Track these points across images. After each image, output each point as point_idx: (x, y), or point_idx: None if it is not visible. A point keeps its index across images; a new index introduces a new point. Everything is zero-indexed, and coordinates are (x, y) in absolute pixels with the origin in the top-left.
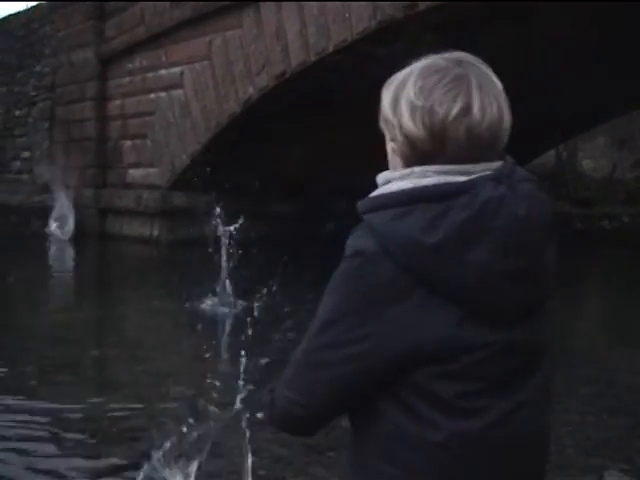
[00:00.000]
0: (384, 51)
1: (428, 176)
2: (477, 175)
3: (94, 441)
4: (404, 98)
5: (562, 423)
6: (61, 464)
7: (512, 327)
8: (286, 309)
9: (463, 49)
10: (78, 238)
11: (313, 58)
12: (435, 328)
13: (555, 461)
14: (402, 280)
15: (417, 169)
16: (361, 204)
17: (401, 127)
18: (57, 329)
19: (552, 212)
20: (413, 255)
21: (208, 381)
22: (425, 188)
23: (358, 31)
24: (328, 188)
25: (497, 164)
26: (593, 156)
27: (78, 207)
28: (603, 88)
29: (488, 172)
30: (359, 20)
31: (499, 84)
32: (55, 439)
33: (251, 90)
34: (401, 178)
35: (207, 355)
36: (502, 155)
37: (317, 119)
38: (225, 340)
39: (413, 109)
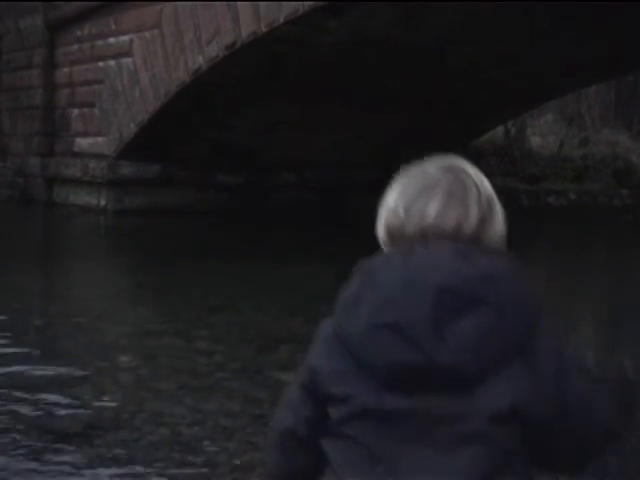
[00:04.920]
0: (336, 23)
1: None
2: None
3: (37, 413)
4: (388, 198)
5: None
6: (2, 434)
7: (399, 393)
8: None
9: (414, 22)
10: (24, 206)
11: (264, 29)
12: (330, 363)
13: None
14: (328, 330)
15: None
16: None
17: (380, 222)
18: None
19: (468, 285)
20: (335, 314)
21: (152, 351)
22: None
23: (309, 3)
24: (277, 160)
25: None
26: (541, 133)
27: (25, 175)
28: (554, 62)
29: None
30: None
31: (484, 190)
32: None
33: (201, 60)
34: None
35: (152, 326)
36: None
37: (268, 90)
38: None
39: (386, 210)
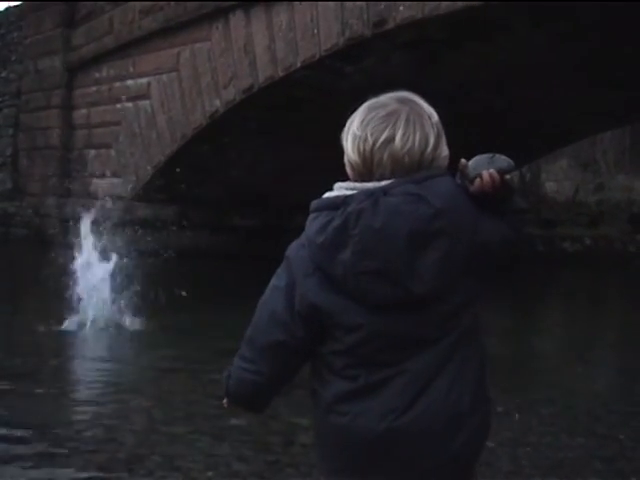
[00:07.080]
0: (352, 68)
1: (336, 189)
2: (358, 191)
3: (51, 452)
4: (351, 129)
5: (520, 443)
6: (17, 475)
7: (385, 315)
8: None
9: (430, 67)
10: (39, 246)
11: (281, 73)
12: (327, 299)
13: None
14: (309, 264)
15: (336, 184)
16: None
17: (345, 152)
18: (15, 338)
19: (428, 224)
20: (311, 249)
21: (167, 394)
22: (326, 199)
23: (326, 48)
24: (292, 203)
25: (384, 182)
26: (556, 178)
27: (41, 215)
28: (570, 108)
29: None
30: (327, 37)
31: (434, 118)
32: (12, 450)
33: (218, 103)
34: (331, 190)
35: (166, 368)
36: (419, 173)
37: (284, 133)
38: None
39: (354, 138)
